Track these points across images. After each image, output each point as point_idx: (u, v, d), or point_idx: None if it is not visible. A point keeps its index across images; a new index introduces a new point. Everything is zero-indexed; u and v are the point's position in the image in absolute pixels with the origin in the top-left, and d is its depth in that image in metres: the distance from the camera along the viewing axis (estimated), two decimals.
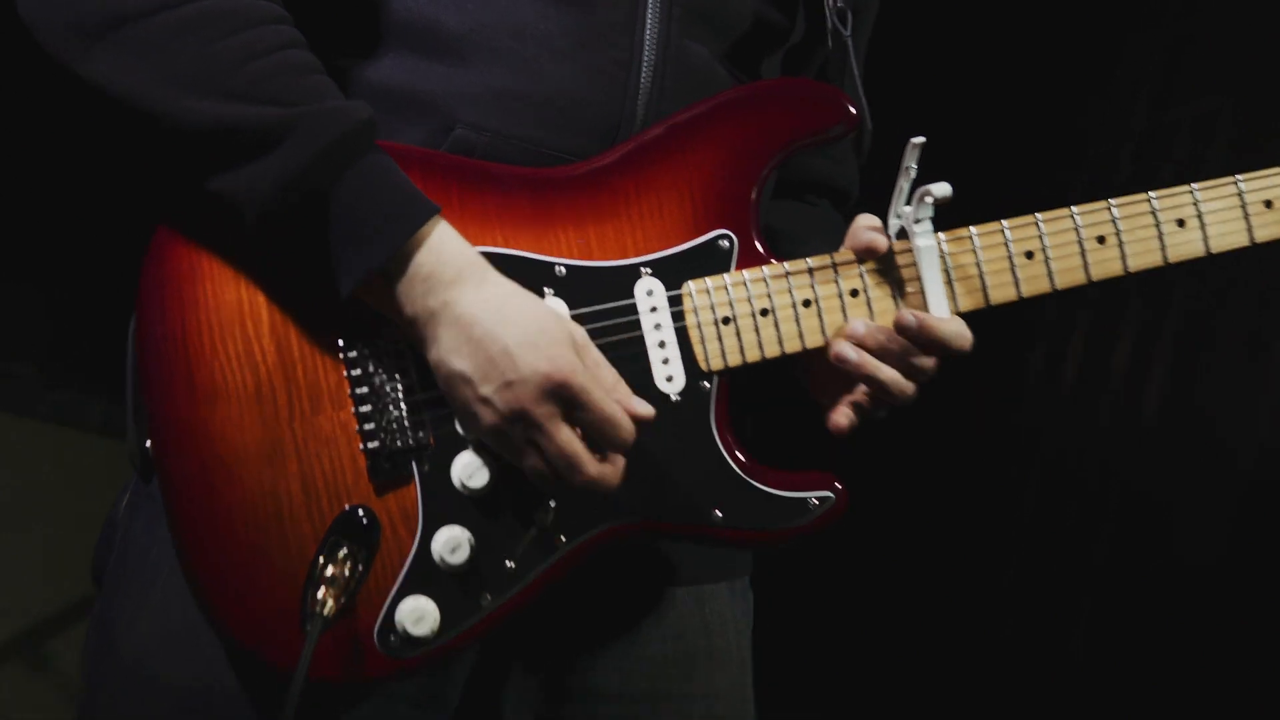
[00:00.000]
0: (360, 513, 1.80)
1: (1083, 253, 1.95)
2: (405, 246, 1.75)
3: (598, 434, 1.78)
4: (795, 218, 2.20)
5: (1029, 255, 1.94)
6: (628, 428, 1.78)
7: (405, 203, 1.76)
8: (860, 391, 1.94)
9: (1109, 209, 1.95)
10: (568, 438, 1.76)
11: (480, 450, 1.84)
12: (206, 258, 1.82)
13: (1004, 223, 1.95)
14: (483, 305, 1.75)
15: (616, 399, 1.77)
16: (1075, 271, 1.95)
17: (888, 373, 1.89)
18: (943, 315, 1.89)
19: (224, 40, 1.72)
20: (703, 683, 2.09)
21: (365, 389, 1.84)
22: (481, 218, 1.87)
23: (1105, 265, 1.96)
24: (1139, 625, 3.80)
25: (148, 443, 1.83)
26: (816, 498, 1.92)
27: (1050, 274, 1.95)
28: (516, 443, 1.77)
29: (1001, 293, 1.95)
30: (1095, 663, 3.86)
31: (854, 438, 1.96)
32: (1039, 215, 1.95)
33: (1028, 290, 1.95)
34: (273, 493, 1.81)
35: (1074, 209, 1.96)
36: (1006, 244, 1.94)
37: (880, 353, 1.89)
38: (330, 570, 1.77)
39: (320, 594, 1.75)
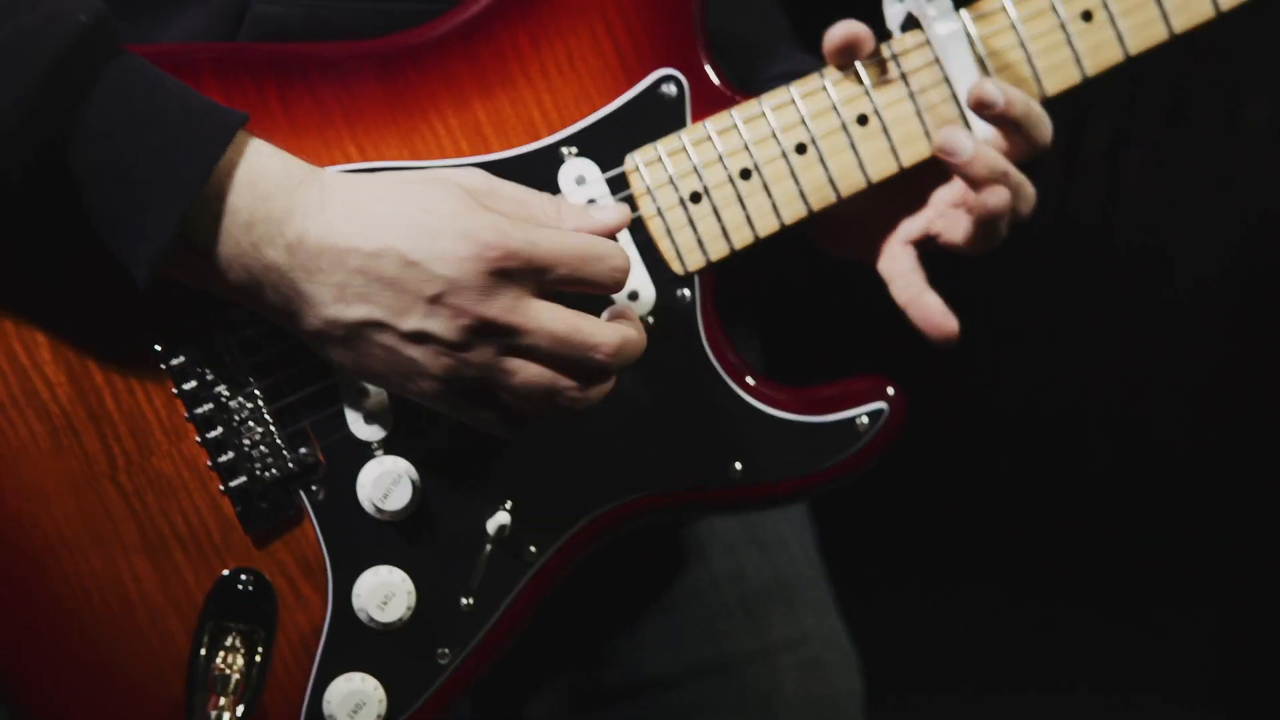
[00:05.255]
0: (242, 579, 1.29)
1: None
2: (202, 195, 1.16)
3: (585, 281, 1.22)
4: None
5: (1087, 17, 1.39)
6: (613, 249, 1.22)
7: (188, 124, 1.16)
8: (953, 219, 1.40)
9: None
10: (554, 312, 1.19)
11: (391, 450, 1.29)
12: None
13: None
14: (342, 221, 1.16)
15: (571, 225, 1.24)
16: (1154, 25, 1.40)
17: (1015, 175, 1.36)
18: (983, 122, 1.36)
19: None
20: (782, 626, 1.58)
21: (208, 406, 1.27)
22: (321, 126, 1.29)
23: (1194, 9, 1.41)
24: None
25: None
26: (866, 414, 1.38)
27: (1120, 36, 1.40)
28: (490, 368, 1.19)
29: (1058, 77, 1.40)
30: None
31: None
32: None
33: (1094, 66, 1.40)
34: (112, 580, 1.26)
35: None
36: (1055, 8, 1.38)
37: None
38: (218, 668, 1.28)
39: (210, 704, 1.25)
